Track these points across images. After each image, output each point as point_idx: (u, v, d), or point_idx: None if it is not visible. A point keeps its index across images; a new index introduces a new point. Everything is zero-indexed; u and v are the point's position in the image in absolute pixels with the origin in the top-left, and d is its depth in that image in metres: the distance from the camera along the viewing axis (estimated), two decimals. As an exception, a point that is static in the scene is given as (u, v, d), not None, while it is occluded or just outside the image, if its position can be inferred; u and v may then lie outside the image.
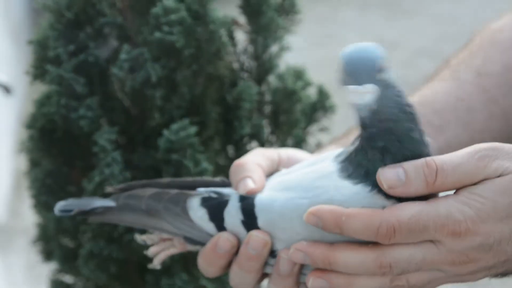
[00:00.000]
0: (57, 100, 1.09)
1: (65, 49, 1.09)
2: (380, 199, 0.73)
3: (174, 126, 1.07)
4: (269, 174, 0.83)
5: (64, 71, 1.08)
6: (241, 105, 1.13)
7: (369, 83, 0.70)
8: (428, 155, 0.74)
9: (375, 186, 0.74)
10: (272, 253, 0.78)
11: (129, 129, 1.12)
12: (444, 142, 0.76)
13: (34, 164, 1.16)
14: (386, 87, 0.72)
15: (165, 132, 1.08)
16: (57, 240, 1.15)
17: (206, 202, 0.81)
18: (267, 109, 1.17)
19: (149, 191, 0.83)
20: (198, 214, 0.81)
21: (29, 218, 1.22)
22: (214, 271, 0.82)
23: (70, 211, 0.85)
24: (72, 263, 1.15)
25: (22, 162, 1.16)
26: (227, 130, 1.15)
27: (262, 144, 1.16)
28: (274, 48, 1.16)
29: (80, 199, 0.88)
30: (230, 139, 1.16)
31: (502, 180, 0.73)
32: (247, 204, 0.78)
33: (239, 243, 0.80)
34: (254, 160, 0.83)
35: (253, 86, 1.13)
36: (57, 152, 1.13)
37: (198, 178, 0.86)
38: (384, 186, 0.73)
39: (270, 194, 0.78)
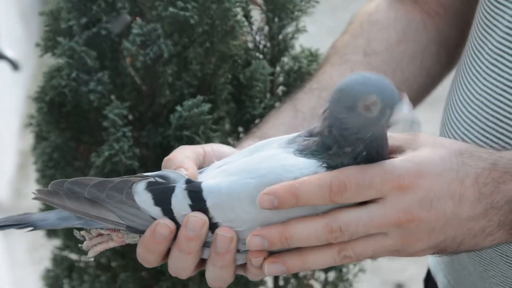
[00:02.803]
0: (67, 73, 1.08)
1: (77, 22, 1.07)
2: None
3: (188, 103, 1.06)
4: (197, 167, 0.85)
5: (76, 43, 1.07)
6: (254, 85, 1.12)
7: (399, 101, 0.75)
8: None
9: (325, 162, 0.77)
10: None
11: (139, 106, 1.11)
12: None
13: (41, 138, 1.15)
14: None
15: (178, 108, 1.06)
16: (62, 216, 1.14)
17: (152, 186, 0.81)
18: (280, 90, 1.16)
19: (94, 180, 0.83)
20: (143, 198, 0.81)
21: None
22: (154, 259, 0.82)
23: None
24: (76, 239, 1.14)
25: (27, 142, 1.15)
26: (238, 111, 1.14)
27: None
28: (289, 29, 1.14)
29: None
30: (241, 120, 1.14)
31: (434, 141, 0.78)
32: (194, 187, 0.80)
33: (176, 230, 0.81)
34: (182, 154, 0.85)
35: (267, 67, 1.12)
36: (65, 126, 1.12)
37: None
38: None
39: (215, 180, 0.81)
